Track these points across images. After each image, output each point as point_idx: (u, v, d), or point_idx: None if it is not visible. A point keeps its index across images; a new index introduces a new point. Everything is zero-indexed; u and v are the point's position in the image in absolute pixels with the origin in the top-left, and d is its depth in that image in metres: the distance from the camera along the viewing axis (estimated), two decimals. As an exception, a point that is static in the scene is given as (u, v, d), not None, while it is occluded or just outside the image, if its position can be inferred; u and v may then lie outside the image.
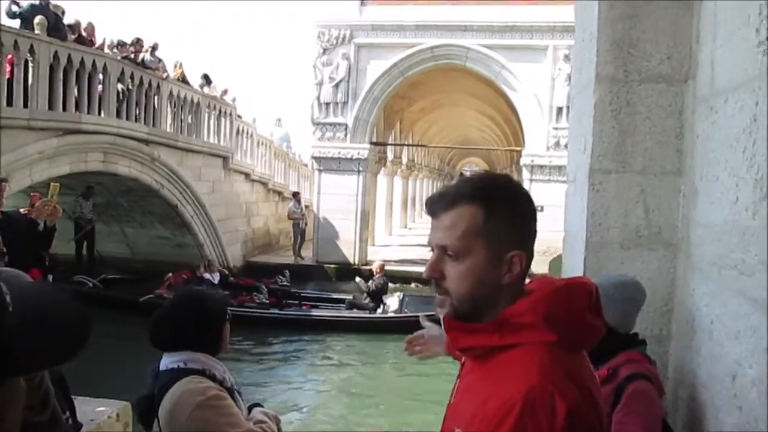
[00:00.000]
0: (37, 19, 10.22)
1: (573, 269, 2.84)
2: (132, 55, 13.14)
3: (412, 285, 15.41)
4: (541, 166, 15.51)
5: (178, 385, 1.98)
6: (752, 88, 1.65)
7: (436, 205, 1.20)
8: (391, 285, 15.65)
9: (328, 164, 16.78)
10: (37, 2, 10.67)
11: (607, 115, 2.48)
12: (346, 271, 16.40)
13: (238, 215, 17.02)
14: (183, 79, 14.99)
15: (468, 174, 1.35)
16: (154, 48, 14.20)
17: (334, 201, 16.69)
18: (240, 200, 17.14)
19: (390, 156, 22.96)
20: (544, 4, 15.02)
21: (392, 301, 12.10)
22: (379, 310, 12.03)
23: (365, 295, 12.36)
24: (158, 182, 13.53)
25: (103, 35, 13.11)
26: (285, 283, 13.08)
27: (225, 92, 17.12)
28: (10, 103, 9.61)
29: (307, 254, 17.45)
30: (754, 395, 1.58)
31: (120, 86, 12.25)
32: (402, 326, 11.12)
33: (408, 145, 24.82)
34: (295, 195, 18.08)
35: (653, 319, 2.42)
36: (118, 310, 10.70)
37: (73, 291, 12.08)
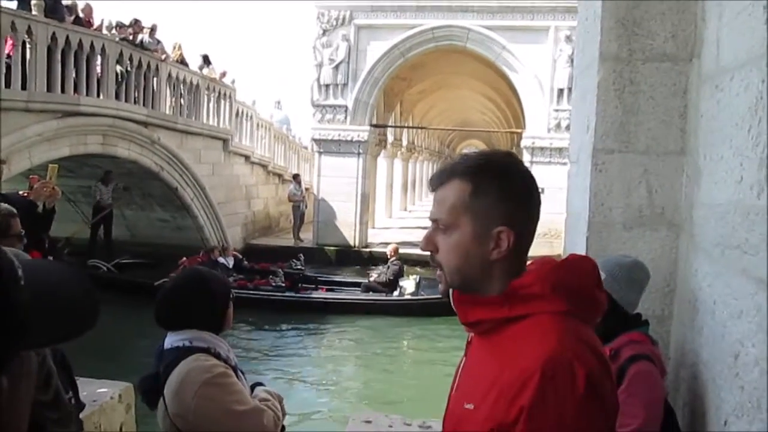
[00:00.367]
0: (35, 0, 10.14)
1: (575, 249, 2.84)
2: (130, 37, 13.05)
3: (419, 269, 15.48)
4: (541, 148, 15.46)
5: (184, 363, 1.98)
6: (759, 66, 1.63)
7: (434, 181, 1.25)
8: (379, 267, 15.72)
9: (328, 146, 16.73)
10: (35, -17, 10.58)
11: (611, 95, 2.47)
12: (346, 254, 16.43)
13: (238, 198, 17.01)
14: (182, 61, 14.91)
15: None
16: (152, 29, 14.10)
17: (334, 183, 16.65)
18: (240, 183, 17.12)
19: (390, 138, 22.88)
20: (546, -16, 14.90)
21: (408, 284, 12.06)
22: (396, 293, 12.02)
23: (382, 279, 12.39)
24: (158, 165, 13.49)
25: (101, 17, 13.04)
26: (299, 266, 13.07)
27: (224, 74, 17.02)
28: (8, 84, 9.56)
29: (307, 237, 17.46)
30: (756, 374, 1.58)
31: (119, 68, 12.18)
32: (418, 309, 11.21)
33: (408, 127, 24.74)
34: (296, 177, 18.05)
35: (655, 299, 2.42)
36: (132, 295, 10.72)
37: (83, 271, 12.17)
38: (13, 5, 10.33)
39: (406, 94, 20.83)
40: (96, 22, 12.48)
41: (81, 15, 11.97)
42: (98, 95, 11.70)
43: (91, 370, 4.12)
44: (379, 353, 10.10)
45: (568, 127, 14.16)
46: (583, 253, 2.60)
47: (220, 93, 16.15)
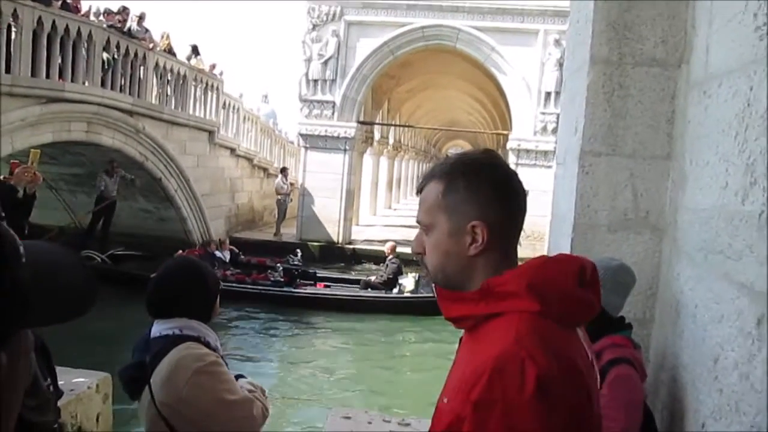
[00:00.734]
0: (21, -17, 10.00)
1: (559, 251, 2.85)
2: (118, 24, 12.91)
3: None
4: (527, 151, 15.52)
5: (175, 351, 1.96)
6: (747, 73, 1.64)
7: (419, 185, 1.28)
8: (374, 266, 15.73)
9: (314, 142, 16.68)
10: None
11: (600, 98, 2.48)
12: (330, 250, 16.40)
13: (223, 190, 16.91)
14: (170, 51, 14.78)
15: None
16: (141, 18, 13.96)
17: (320, 179, 16.62)
18: (224, 175, 17.02)
19: (377, 136, 22.87)
20: (536, -13, 14.97)
21: (408, 282, 12.05)
22: (395, 290, 12.00)
23: (381, 277, 12.39)
24: (142, 154, 13.37)
25: (90, 3, 12.90)
26: (296, 262, 12.99)
27: (213, 67, 16.92)
28: (-8, 68, 9.43)
29: (290, 231, 17.40)
30: (735, 377, 1.60)
31: (105, 55, 12.05)
32: (417, 307, 11.20)
33: (395, 125, 24.74)
34: (283, 170, 18.01)
35: (637, 303, 2.44)
36: (126, 286, 10.62)
37: (80, 256, 11.98)
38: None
39: (394, 92, 20.84)
40: (84, 8, 12.33)
41: (69, 0, 11.82)
42: (84, 82, 11.56)
43: (83, 361, 4.09)
44: (374, 351, 10.10)
45: (554, 131, 14.25)
46: (567, 253, 2.62)
47: (207, 84, 16.04)
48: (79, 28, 11.21)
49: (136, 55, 13.07)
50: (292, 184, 18.24)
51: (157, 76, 14.01)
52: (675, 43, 2.41)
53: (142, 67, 13.38)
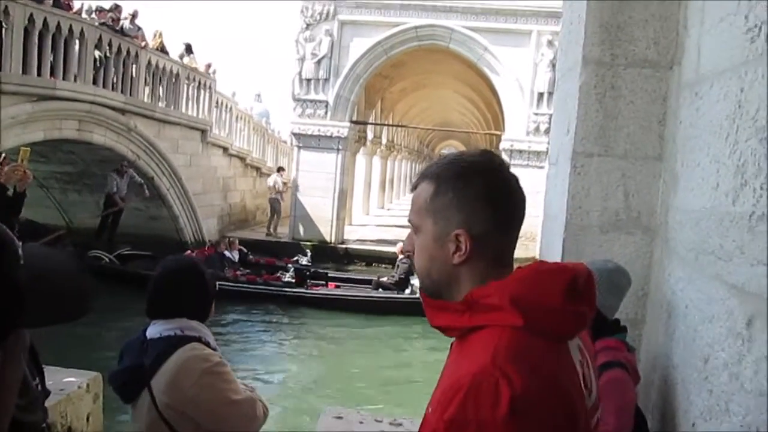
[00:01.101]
0: (13, -21, 9.94)
1: (551, 252, 2.86)
2: (110, 22, 12.84)
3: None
4: (520, 151, 15.56)
5: (180, 352, 1.94)
6: (738, 74, 1.65)
7: (414, 182, 1.24)
8: (365, 267, 15.73)
9: (307, 141, 16.66)
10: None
11: (592, 98, 2.49)
12: (322, 249, 16.39)
13: (215, 189, 16.86)
14: (162, 49, 14.72)
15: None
16: (134, 16, 13.89)
17: (313, 178, 16.60)
18: (217, 174, 16.97)
19: (370, 136, 22.87)
20: (530, -12, 14.99)
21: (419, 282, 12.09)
22: (407, 291, 11.98)
23: (393, 278, 12.39)
24: (134, 153, 13.32)
25: (81, 1, 12.82)
26: (305, 262, 12.94)
27: (209, 66, 16.88)
28: (-18, 65, 9.37)
29: (283, 231, 17.37)
30: (725, 378, 1.60)
31: (97, 53, 11.99)
32: None
33: (388, 125, 24.73)
34: (280, 170, 18.02)
35: (629, 303, 2.45)
36: (136, 286, 10.59)
37: (82, 259, 11.89)
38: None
39: (388, 92, 20.84)
40: (76, 6, 12.26)
41: (60, -3, 11.75)
42: (75, 80, 11.50)
43: (90, 361, 4.06)
44: (385, 351, 10.07)
45: (546, 131, 14.29)
46: (558, 255, 2.62)
47: (199, 83, 15.99)
48: (70, 26, 11.15)
49: (128, 53, 13.01)
50: (285, 183, 18.23)
51: (149, 75, 13.94)
52: (667, 44, 2.42)
53: (134, 66, 13.32)
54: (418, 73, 19.88)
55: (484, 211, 1.12)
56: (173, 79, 14.85)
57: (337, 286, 12.72)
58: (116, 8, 13.39)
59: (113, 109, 12.41)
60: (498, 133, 17.86)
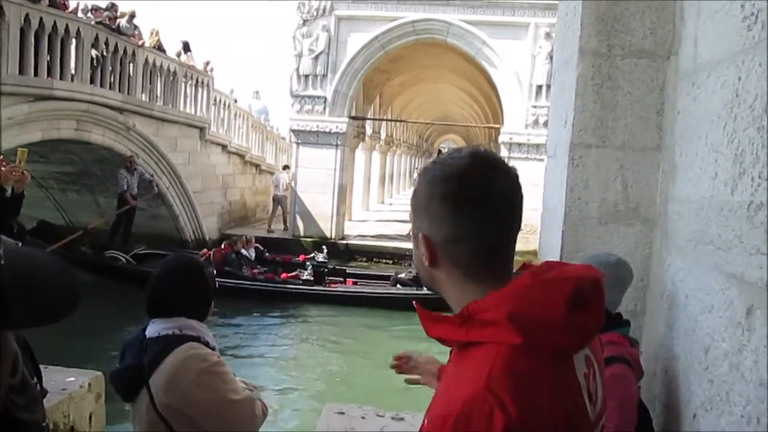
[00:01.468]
0: (8, -20, 9.91)
1: (550, 244, 2.85)
2: (107, 21, 12.81)
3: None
4: (519, 144, 15.53)
5: (178, 351, 1.94)
6: (735, 63, 1.64)
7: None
8: (364, 262, 15.73)
9: (306, 137, 16.64)
10: (8, -37, 10.33)
11: (589, 90, 2.48)
12: (323, 246, 16.39)
13: (214, 187, 16.85)
14: (159, 47, 14.69)
15: (446, 150, 1.30)
16: (132, 16, 13.84)
17: (312, 175, 16.57)
18: (216, 172, 16.95)
19: (369, 131, 22.82)
20: (527, -20, 14.95)
21: None
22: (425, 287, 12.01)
23: (411, 274, 12.37)
24: (133, 152, 13.29)
25: (77, 0, 12.79)
26: (322, 259, 12.89)
27: (207, 64, 16.85)
28: (-22, 66, 9.35)
29: (280, 227, 17.39)
30: (726, 368, 1.60)
31: (94, 52, 11.96)
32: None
33: (387, 120, 24.70)
34: (286, 168, 18.03)
35: (629, 295, 2.44)
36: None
37: (99, 260, 11.82)
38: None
39: (386, 86, 20.79)
40: (72, 5, 12.23)
41: (56, -3, 11.73)
42: (72, 80, 11.48)
43: (107, 361, 4.06)
44: (404, 347, 10.09)
45: (545, 124, 14.25)
46: (558, 247, 2.62)
47: (197, 81, 15.96)
48: (67, 25, 11.12)
49: (125, 52, 12.98)
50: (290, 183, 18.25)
51: (147, 73, 13.91)
52: (664, 34, 2.41)
53: (131, 64, 13.29)
54: (416, 68, 19.83)
55: (447, 220, 1.06)
56: (171, 78, 14.82)
57: (355, 283, 12.71)
58: (112, 7, 13.36)
59: (111, 108, 12.38)
60: (497, 126, 17.82)
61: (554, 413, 0.99)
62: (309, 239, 16.47)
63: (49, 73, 10.91)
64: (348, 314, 11.42)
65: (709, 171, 1.79)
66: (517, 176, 1.10)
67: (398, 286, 12.23)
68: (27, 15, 10.14)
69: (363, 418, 3.61)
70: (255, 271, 12.34)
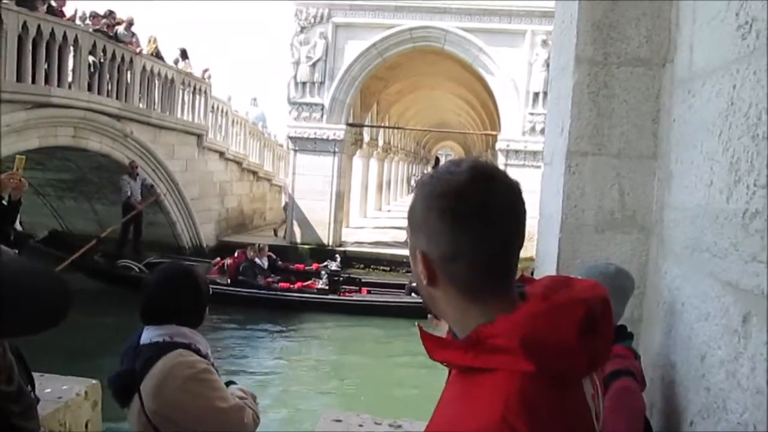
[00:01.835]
0: (6, -13, 9.94)
1: (547, 252, 2.85)
2: (105, 28, 12.83)
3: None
4: (516, 151, 15.58)
5: (166, 358, 1.95)
6: (730, 72, 1.65)
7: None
8: (361, 270, 15.71)
9: (303, 144, 16.66)
10: (6, -30, 10.36)
11: (585, 97, 2.49)
12: (320, 253, 16.39)
13: (212, 194, 16.84)
14: (157, 55, 14.71)
15: (444, 159, 1.25)
16: (130, 23, 13.86)
17: (310, 182, 16.59)
18: (214, 179, 16.95)
19: (366, 138, 22.86)
20: (523, -12, 15.02)
21: None
22: None
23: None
24: (131, 159, 13.29)
25: (75, 7, 12.83)
26: (335, 267, 12.85)
27: (205, 71, 16.86)
28: (-24, 73, 9.35)
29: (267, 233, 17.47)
30: (722, 375, 1.60)
31: (91, 58, 11.97)
32: None
33: (384, 127, 24.74)
34: None
35: (625, 302, 2.44)
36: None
37: (112, 269, 11.73)
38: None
39: (383, 93, 20.84)
40: (69, 12, 12.25)
41: (54, 4, 11.74)
42: (70, 87, 11.48)
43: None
44: (410, 359, 9.97)
45: (542, 131, 14.29)
46: (554, 255, 2.62)
47: (195, 88, 15.98)
48: (65, 33, 11.14)
49: (122, 59, 12.99)
50: (280, 188, 18.25)
51: (144, 80, 13.93)
52: (659, 42, 2.42)
53: (129, 72, 13.30)
54: (414, 75, 19.89)
55: (445, 236, 1.02)
56: (168, 85, 14.84)
57: (369, 291, 12.69)
58: (110, 14, 13.38)
59: (108, 115, 12.39)
60: (494, 133, 17.87)
61: None
62: (306, 246, 16.47)
63: (47, 81, 10.91)
64: (364, 324, 11.42)
65: (705, 179, 1.79)
66: (519, 190, 1.05)
67: (413, 294, 12.20)
68: (25, 22, 10.15)
69: (360, 426, 3.60)
70: (269, 279, 12.30)
